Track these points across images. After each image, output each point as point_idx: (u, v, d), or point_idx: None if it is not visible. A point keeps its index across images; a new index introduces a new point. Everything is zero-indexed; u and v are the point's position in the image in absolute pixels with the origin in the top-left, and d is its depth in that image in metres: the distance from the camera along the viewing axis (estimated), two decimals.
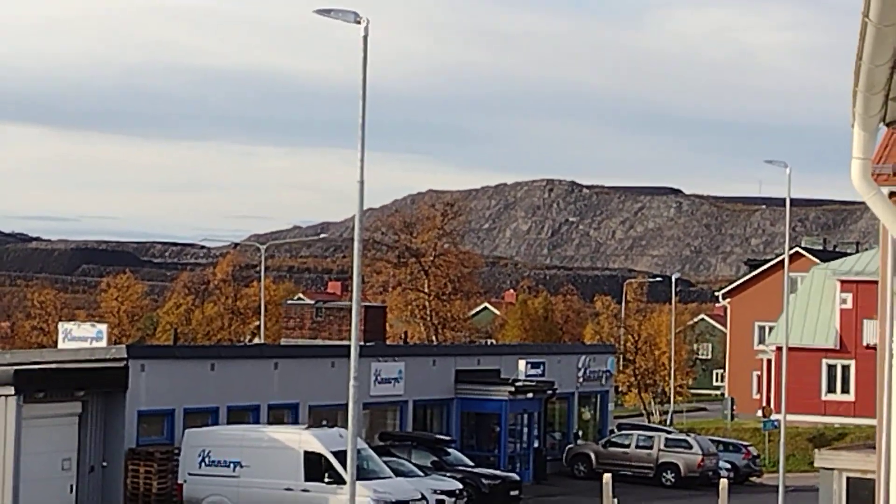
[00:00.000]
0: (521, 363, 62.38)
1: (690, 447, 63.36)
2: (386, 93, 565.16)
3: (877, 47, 9.00)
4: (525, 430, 60.66)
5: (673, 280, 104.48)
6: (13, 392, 41.03)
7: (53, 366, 45.68)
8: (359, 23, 30.14)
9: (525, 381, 60.90)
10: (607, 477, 27.44)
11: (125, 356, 45.17)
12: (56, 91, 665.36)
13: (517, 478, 53.78)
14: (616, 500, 26.66)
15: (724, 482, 28.38)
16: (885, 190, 18.59)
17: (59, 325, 61.86)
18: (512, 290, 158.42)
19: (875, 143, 12.19)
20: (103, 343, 54.08)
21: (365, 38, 30.12)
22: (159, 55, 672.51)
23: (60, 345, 56.03)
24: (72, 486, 43.56)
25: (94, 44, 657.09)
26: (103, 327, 58.65)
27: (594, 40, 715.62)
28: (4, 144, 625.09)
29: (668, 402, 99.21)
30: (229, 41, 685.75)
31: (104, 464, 44.34)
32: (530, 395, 60.28)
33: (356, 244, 31.13)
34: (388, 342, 70.39)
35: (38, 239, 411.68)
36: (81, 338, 55.53)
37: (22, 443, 40.97)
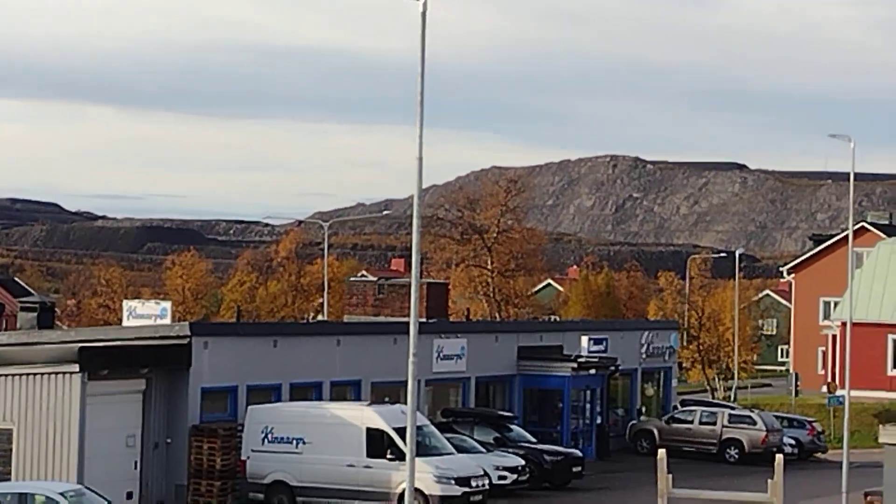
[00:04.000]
0: (584, 339, 62.31)
1: (754, 423, 63.12)
2: (451, 70, 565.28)
3: None
4: (588, 406, 60.61)
5: (737, 255, 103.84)
6: (78, 369, 41.32)
7: (118, 343, 45.92)
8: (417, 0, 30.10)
9: (588, 357, 60.83)
10: (662, 453, 27.30)
11: (188, 333, 45.34)
12: (125, 71, 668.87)
13: (579, 454, 53.71)
14: (672, 476, 26.49)
15: (779, 458, 28.13)
16: None
17: (124, 302, 62.24)
18: (575, 267, 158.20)
19: None
20: (167, 320, 54.34)
21: (423, 13, 30.05)
22: (225, 34, 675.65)
23: (125, 322, 56.36)
24: (136, 463, 43.85)
25: (161, 24, 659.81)
26: (167, 305, 58.92)
27: (660, 17, 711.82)
28: (67, 124, 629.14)
29: (732, 377, 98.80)
30: (293, 20, 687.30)
31: (168, 440, 44.59)
32: (593, 371, 60.22)
33: (415, 220, 31.11)
34: (450, 319, 70.45)
35: (104, 217, 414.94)
36: (146, 315, 55.82)
37: (87, 420, 41.25)
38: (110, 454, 42.50)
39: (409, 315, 31.39)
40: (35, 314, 52.81)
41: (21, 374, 42.04)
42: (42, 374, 41.79)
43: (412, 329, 30.44)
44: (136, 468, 43.81)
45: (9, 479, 40.90)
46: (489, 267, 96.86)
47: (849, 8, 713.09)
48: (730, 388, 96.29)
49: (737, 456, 61.99)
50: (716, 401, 78.85)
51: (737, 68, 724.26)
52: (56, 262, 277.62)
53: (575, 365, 59.02)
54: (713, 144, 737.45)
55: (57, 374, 41.58)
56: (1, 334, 50.45)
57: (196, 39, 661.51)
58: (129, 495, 42.93)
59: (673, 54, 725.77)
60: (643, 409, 67.28)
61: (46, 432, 41.43)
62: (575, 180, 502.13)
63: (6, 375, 42.26)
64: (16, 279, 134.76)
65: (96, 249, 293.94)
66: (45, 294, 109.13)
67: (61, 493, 35.74)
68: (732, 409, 67.21)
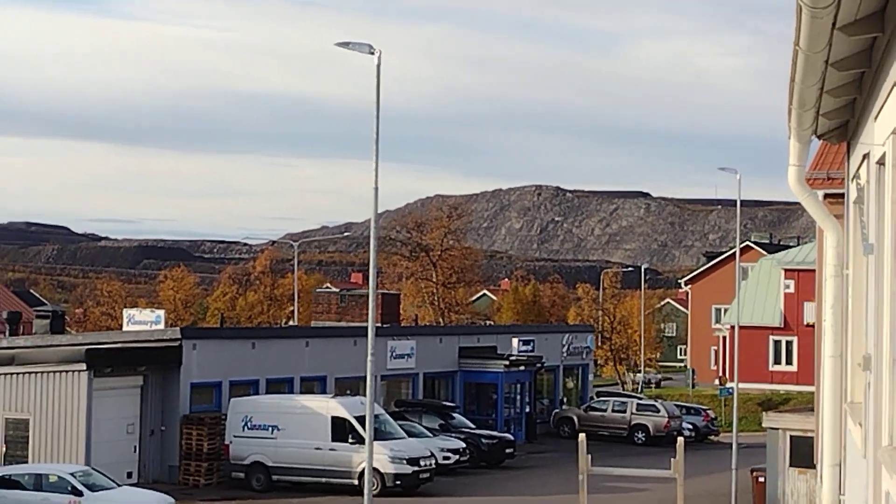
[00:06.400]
0: (514, 341, 62.33)
1: (658, 411, 63.29)
2: (398, 111, 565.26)
3: (806, 71, 8.98)
4: (518, 397, 60.62)
5: (643, 270, 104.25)
6: (85, 368, 41.11)
7: (119, 345, 45.71)
8: (373, 53, 30.07)
9: (518, 355, 60.85)
10: (582, 436, 27.27)
11: (179, 337, 45.19)
12: (116, 113, 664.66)
13: (512, 438, 53.72)
14: (590, 456, 26.50)
15: (680, 440, 28.17)
16: (820, 193, 18.52)
17: (124, 311, 61.76)
18: (507, 279, 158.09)
19: (808, 152, 12.16)
20: (161, 326, 54.03)
21: (378, 66, 30.05)
22: (203, 81, 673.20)
23: (125, 328, 55.96)
24: (135, 447, 43.61)
25: (147, 72, 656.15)
26: (161, 313, 58.54)
27: (575, 67, 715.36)
28: (73, 158, 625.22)
29: (639, 372, 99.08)
30: (263, 69, 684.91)
31: (163, 428, 44.36)
32: (522, 367, 60.26)
33: (372, 241, 31.07)
34: (401, 324, 70.32)
35: (106, 238, 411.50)
36: (143, 321, 55.46)
37: (93, 411, 41.06)
38: (113, 440, 42.27)
39: (366, 321, 31.33)
40: (48, 321, 52.38)
41: (36, 372, 41.79)
42: (54, 371, 41.55)
43: (370, 332, 30.39)
44: (135, 452, 43.58)
45: (26, 462, 40.62)
46: (434, 280, 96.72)
47: (732, 58, 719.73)
48: (637, 382, 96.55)
49: (644, 439, 62.11)
50: (626, 392, 79.02)
51: (641, 110, 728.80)
52: (65, 277, 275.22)
53: (507, 362, 59.02)
54: (621, 175, 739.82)
55: (67, 371, 41.36)
56: (19, 338, 49.99)
57: (177, 86, 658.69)
58: (130, 475, 42.70)
59: (588, 97, 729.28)
60: (565, 400, 67.33)
61: (58, 422, 41.19)
62: (506, 206, 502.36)
63: (23, 373, 42.01)
64: (31, 291, 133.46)
65: (100, 266, 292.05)
66: (57, 304, 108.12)
67: (71, 473, 35.52)
68: (640, 399, 67.37)
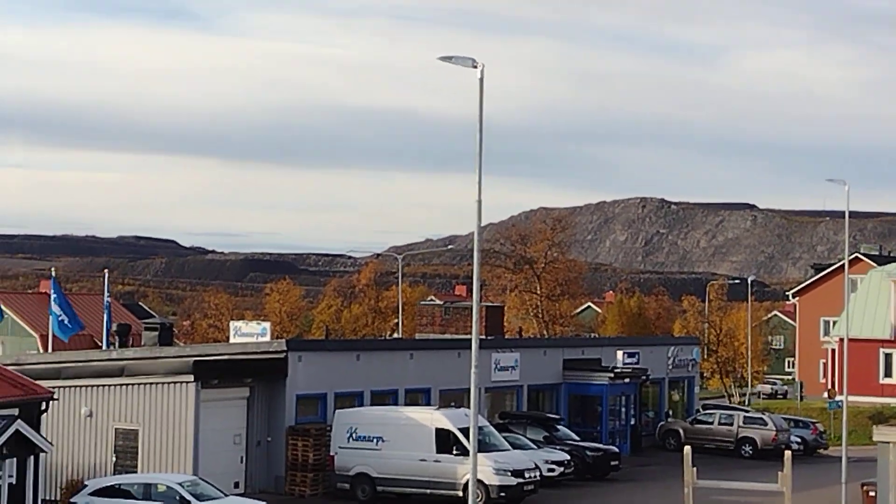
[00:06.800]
0: (619, 353, 61.98)
1: (766, 424, 62.54)
2: (503, 125, 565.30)
3: None
4: (623, 409, 60.25)
5: (749, 282, 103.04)
6: (192, 379, 41.53)
7: (226, 357, 46.09)
8: (475, 67, 30.10)
9: (622, 368, 60.50)
10: (688, 449, 27.06)
11: (285, 349, 45.41)
12: (224, 128, 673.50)
13: (616, 450, 53.39)
14: (696, 469, 26.26)
15: (787, 454, 27.85)
16: None
17: (231, 323, 62.38)
18: (611, 292, 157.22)
19: None
20: (267, 338, 54.43)
21: (481, 79, 30.04)
22: (308, 96, 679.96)
23: (231, 340, 56.48)
24: (242, 458, 43.97)
25: (254, 87, 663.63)
26: (267, 325, 58.98)
27: (679, 79, 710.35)
28: (181, 173, 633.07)
29: (746, 385, 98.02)
30: (367, 84, 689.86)
31: (269, 439, 44.67)
32: (627, 379, 59.90)
33: (476, 253, 31.10)
34: (505, 336, 70.26)
35: (213, 252, 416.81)
36: (249, 334, 55.91)
37: (200, 422, 41.42)
38: (220, 450, 42.63)
39: (471, 333, 31.35)
40: (156, 333, 53.06)
41: (145, 384, 42.29)
42: (162, 383, 42.01)
43: (474, 345, 30.40)
44: (241, 462, 43.92)
45: (135, 472, 41.16)
46: (538, 292, 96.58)
47: (839, 69, 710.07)
48: (744, 395, 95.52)
49: (751, 452, 61.41)
50: (732, 405, 78.21)
51: (745, 120, 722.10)
52: (173, 290, 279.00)
53: (612, 375, 58.72)
54: (727, 187, 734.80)
55: (175, 383, 41.79)
56: (128, 350, 50.69)
57: (283, 101, 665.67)
58: (237, 485, 43.06)
59: (690, 108, 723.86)
60: (670, 412, 66.82)
61: (166, 432, 41.62)
62: (610, 219, 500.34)
63: (133, 384, 42.54)
64: (140, 304, 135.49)
65: (207, 279, 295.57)
66: (165, 316, 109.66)
67: (179, 483, 35.92)
68: (747, 411, 66.62)
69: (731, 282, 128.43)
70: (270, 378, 44.64)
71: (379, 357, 49.82)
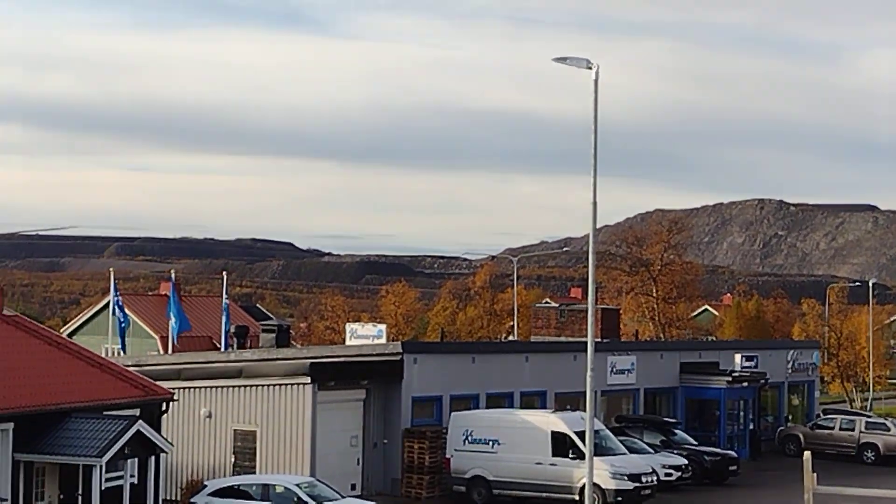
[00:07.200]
0: (737, 357, 61.32)
1: (888, 429, 61.45)
2: (618, 126, 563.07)
3: None
4: (741, 414, 59.58)
5: (871, 284, 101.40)
6: (309, 381, 41.85)
7: (342, 359, 46.36)
8: (590, 68, 30.01)
9: (741, 372, 59.84)
10: (807, 454, 26.65)
11: (401, 351, 45.60)
12: (341, 131, 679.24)
13: (735, 455, 52.82)
14: (816, 474, 25.85)
15: None
16: None
17: (347, 325, 62.75)
18: (729, 294, 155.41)
19: None
20: (383, 340, 54.68)
21: (596, 80, 29.96)
22: (425, 99, 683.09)
23: (348, 342, 56.82)
24: (358, 459, 44.21)
25: (371, 90, 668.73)
26: (383, 327, 59.27)
27: (799, 78, 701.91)
28: (298, 176, 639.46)
29: (868, 390, 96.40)
30: (483, 86, 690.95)
31: (385, 441, 44.85)
32: (745, 383, 59.22)
33: (591, 255, 30.98)
34: (622, 339, 69.86)
35: (329, 254, 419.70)
36: (365, 336, 56.21)
37: (317, 423, 41.72)
38: (337, 452, 42.91)
39: (586, 336, 31.23)
40: (274, 335, 53.55)
41: (263, 385, 42.70)
42: (280, 384, 42.39)
43: (589, 347, 30.29)
44: (358, 464, 44.16)
45: (254, 473, 41.59)
46: (654, 295, 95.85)
47: None
48: (866, 399, 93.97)
49: (873, 458, 60.36)
50: (854, 410, 76.94)
51: (866, 120, 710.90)
52: (290, 292, 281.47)
53: (730, 378, 58.12)
54: (847, 188, 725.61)
55: (292, 385, 42.14)
56: (246, 352, 51.25)
57: (400, 104, 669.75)
58: (353, 486, 43.28)
59: (809, 108, 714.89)
60: (790, 417, 65.95)
61: (284, 433, 41.98)
62: (727, 220, 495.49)
63: (250, 386, 42.97)
64: (258, 306, 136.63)
65: (323, 281, 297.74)
66: (282, 318, 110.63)
67: (297, 485, 36.23)
68: (869, 417, 65.51)
69: (851, 284, 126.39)
70: (386, 380, 44.83)
71: (494, 360, 49.81)
